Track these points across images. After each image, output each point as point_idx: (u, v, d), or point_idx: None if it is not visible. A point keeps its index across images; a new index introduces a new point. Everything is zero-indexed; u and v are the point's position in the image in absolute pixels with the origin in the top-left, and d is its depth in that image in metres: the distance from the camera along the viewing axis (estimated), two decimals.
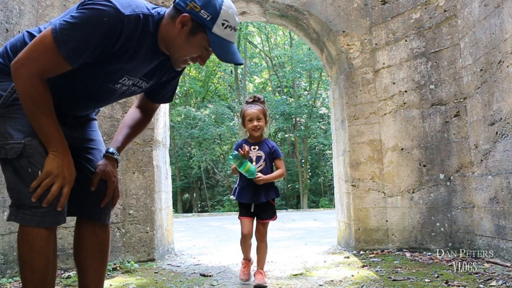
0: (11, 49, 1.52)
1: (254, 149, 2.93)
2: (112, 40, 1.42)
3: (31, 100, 1.40)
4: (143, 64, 1.59)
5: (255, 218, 2.95)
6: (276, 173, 2.91)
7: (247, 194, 2.89)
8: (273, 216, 2.95)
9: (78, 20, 1.38)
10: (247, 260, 3.02)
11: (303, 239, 6.36)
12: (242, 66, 24.09)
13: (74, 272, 3.28)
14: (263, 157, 2.91)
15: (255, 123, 2.89)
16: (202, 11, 1.46)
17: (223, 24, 1.48)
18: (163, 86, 1.80)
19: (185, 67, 1.74)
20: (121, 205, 3.87)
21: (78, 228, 1.70)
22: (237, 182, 3.00)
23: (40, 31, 1.54)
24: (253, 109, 2.91)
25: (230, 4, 1.52)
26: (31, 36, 1.53)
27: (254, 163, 2.88)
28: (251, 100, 3.00)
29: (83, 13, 1.38)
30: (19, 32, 3.33)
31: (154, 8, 1.55)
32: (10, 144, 1.42)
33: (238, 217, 2.98)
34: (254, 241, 2.98)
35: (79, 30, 1.38)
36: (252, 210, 2.90)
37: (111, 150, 1.73)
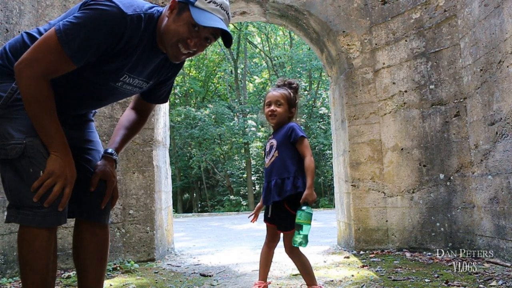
0: (11, 50, 1.53)
1: (271, 138, 2.44)
2: (115, 39, 1.44)
3: (34, 100, 1.41)
4: (143, 62, 1.60)
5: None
6: (308, 172, 2.23)
7: (263, 193, 2.40)
8: (292, 227, 2.21)
9: (81, 20, 1.40)
10: (262, 281, 2.44)
11: None
12: (242, 66, 24.10)
13: (74, 272, 3.28)
14: (275, 145, 2.35)
15: (272, 107, 2.36)
16: None
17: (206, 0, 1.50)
18: (159, 86, 1.82)
19: (182, 63, 1.75)
20: (121, 205, 3.87)
21: (77, 228, 1.70)
22: None
23: (39, 32, 1.55)
24: (275, 92, 2.40)
25: None
26: (30, 37, 1.54)
27: (268, 155, 2.40)
28: (280, 83, 2.48)
29: (86, 13, 1.40)
30: (19, 32, 3.33)
31: (153, 7, 1.57)
32: (11, 144, 1.42)
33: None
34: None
35: (83, 30, 1.40)
36: (269, 215, 2.37)
37: (109, 150, 1.74)
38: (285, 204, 2.27)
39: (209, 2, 1.50)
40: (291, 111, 2.41)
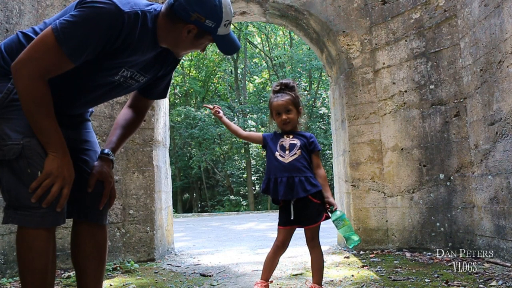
0: (6, 50, 1.52)
1: (287, 137, 2.46)
2: (112, 37, 1.44)
3: (32, 101, 1.40)
4: (141, 59, 1.61)
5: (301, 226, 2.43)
6: (324, 181, 2.41)
7: (281, 188, 2.34)
8: (320, 217, 2.36)
9: (78, 18, 1.39)
10: (264, 281, 2.42)
11: (303, 239, 6.34)
12: (242, 66, 24.11)
13: (74, 272, 3.27)
14: (298, 144, 2.40)
15: (284, 116, 2.42)
16: (207, 21, 1.53)
17: (225, 25, 1.57)
18: (157, 81, 1.82)
19: (180, 59, 1.80)
20: (121, 205, 3.87)
21: (75, 229, 1.70)
22: (266, 174, 2.47)
23: (34, 31, 1.54)
24: (280, 100, 2.42)
25: (226, 1, 1.57)
26: (26, 36, 1.53)
27: (287, 151, 2.40)
28: (277, 88, 2.49)
29: (83, 11, 1.40)
30: None
31: (150, 4, 1.58)
32: (8, 145, 1.42)
33: (278, 226, 2.45)
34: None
35: (81, 28, 1.39)
36: (292, 218, 2.35)
37: (106, 151, 1.74)
38: (309, 196, 2.34)
39: (226, 26, 1.58)
40: (299, 110, 2.48)
